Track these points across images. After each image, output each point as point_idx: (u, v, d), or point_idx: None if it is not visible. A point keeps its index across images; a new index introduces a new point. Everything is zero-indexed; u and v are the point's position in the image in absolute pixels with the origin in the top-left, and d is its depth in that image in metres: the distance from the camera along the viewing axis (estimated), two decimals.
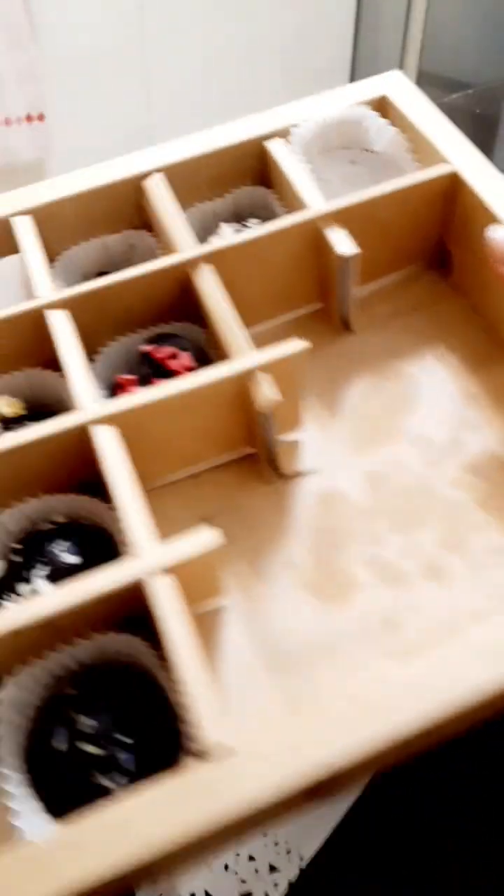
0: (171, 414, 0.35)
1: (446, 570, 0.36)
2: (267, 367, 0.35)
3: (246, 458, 0.40)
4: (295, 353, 0.35)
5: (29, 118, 1.10)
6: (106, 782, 0.29)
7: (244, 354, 0.35)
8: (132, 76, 1.19)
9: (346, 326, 0.44)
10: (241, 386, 0.35)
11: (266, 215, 0.47)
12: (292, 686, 0.34)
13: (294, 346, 0.35)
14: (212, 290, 0.38)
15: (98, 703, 0.31)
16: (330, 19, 1.26)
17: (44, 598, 0.29)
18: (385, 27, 1.22)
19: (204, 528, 0.30)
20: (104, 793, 0.29)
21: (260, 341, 0.37)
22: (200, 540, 0.30)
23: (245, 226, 0.45)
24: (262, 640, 0.35)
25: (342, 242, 0.39)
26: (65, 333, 0.37)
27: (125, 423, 0.34)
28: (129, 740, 0.30)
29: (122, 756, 0.30)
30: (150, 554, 0.30)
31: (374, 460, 0.40)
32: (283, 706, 0.33)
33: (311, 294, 0.44)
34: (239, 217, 0.48)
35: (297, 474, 0.40)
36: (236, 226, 0.46)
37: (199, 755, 0.26)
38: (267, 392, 0.34)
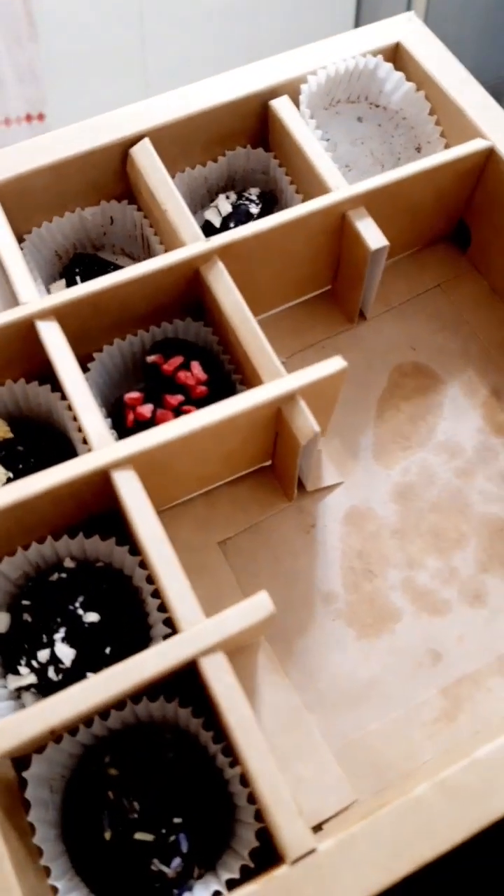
0: (196, 446, 0.31)
1: (487, 594, 0.34)
2: (305, 391, 0.31)
3: (259, 469, 0.37)
4: (334, 374, 0.31)
5: (28, 118, 1.03)
6: (163, 868, 0.27)
7: (277, 376, 0.31)
8: (132, 76, 1.15)
9: (361, 314, 0.40)
10: (274, 408, 0.31)
11: (265, 181, 0.42)
12: (338, 727, 0.32)
13: (332, 365, 0.31)
14: (227, 291, 0.33)
15: (139, 779, 0.28)
16: (329, 22, 1.19)
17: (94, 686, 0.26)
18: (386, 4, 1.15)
19: (258, 596, 0.27)
20: (160, 878, 0.27)
21: (266, 329, 0.33)
22: (254, 611, 0.27)
23: (244, 196, 0.40)
24: (301, 677, 0.33)
25: (373, 235, 0.34)
26: (58, 348, 0.32)
27: (147, 460, 0.30)
28: (179, 819, 0.28)
29: (176, 838, 0.27)
30: (201, 633, 0.26)
31: (399, 470, 0.37)
32: (334, 755, 0.31)
33: (323, 278, 0.40)
34: (233, 183, 0.42)
35: (320, 488, 0.37)
36: (233, 197, 0.40)
37: (282, 857, 0.24)
38: (309, 423, 0.30)
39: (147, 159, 0.36)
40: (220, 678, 0.26)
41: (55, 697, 0.26)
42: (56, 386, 0.34)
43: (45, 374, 0.35)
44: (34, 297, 0.33)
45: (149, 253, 0.40)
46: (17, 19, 0.96)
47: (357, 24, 1.20)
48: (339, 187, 0.35)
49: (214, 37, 1.15)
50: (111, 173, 0.38)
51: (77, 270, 0.39)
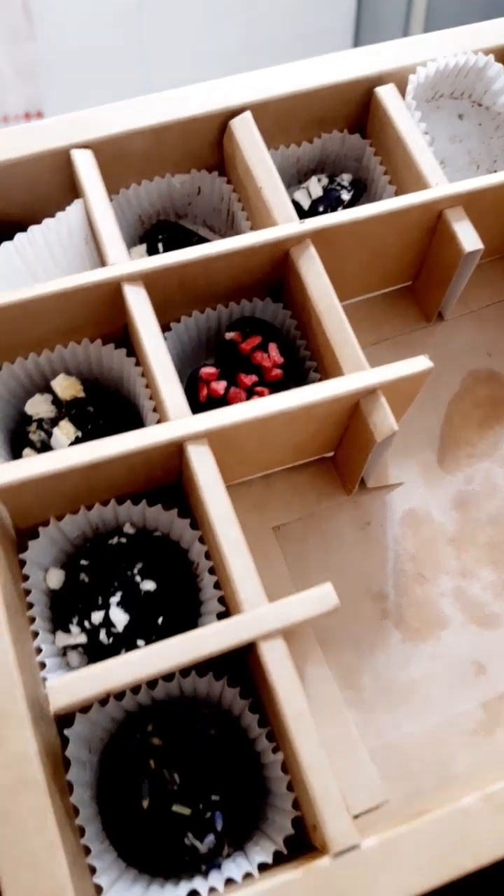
0: (271, 429, 0.31)
1: None
2: (386, 387, 0.30)
3: (319, 459, 0.37)
4: (418, 373, 0.31)
5: (27, 116, 1.04)
6: (196, 843, 0.27)
7: (360, 368, 0.31)
8: (131, 74, 1.15)
9: (439, 314, 0.40)
10: (353, 401, 0.31)
11: (356, 169, 0.41)
12: (375, 726, 0.32)
13: (417, 364, 0.31)
14: (316, 275, 0.33)
15: (182, 752, 0.28)
16: (329, 18, 1.19)
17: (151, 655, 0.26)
18: (385, 21, 1.14)
19: (323, 587, 0.27)
20: (192, 852, 0.27)
21: None
22: (319, 602, 0.27)
23: (336, 182, 0.39)
24: (343, 672, 0.33)
25: (469, 237, 0.34)
26: (143, 314, 0.32)
27: (219, 436, 0.30)
28: (217, 797, 0.28)
29: (212, 815, 0.27)
30: (264, 616, 0.26)
31: (462, 477, 0.37)
32: (368, 753, 0.31)
33: (406, 273, 0.39)
34: (324, 166, 0.41)
35: (379, 486, 0.36)
36: (325, 181, 0.39)
37: (323, 849, 0.24)
38: (388, 420, 0.30)
39: (247, 133, 0.36)
40: (278, 663, 0.26)
41: (113, 661, 0.26)
42: (130, 351, 0.34)
43: (119, 338, 0.35)
44: (123, 258, 0.33)
45: (233, 228, 0.39)
46: (16, 17, 0.97)
47: (358, 16, 1.19)
48: (439, 184, 0.35)
49: (213, 34, 1.15)
50: (207, 143, 0.38)
51: (160, 237, 0.38)
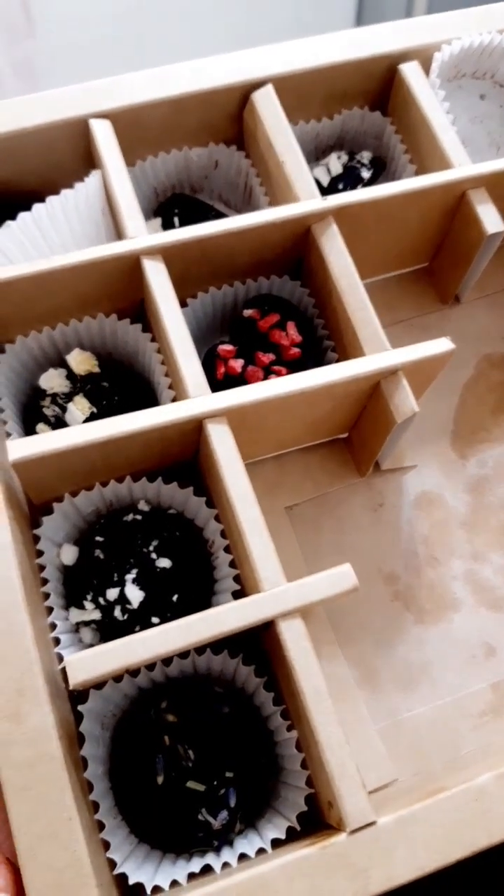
0: (290, 408, 0.30)
1: None
2: (408, 368, 0.30)
3: (332, 440, 0.36)
4: (440, 355, 0.30)
5: None
6: (209, 818, 0.27)
7: (382, 349, 0.31)
8: (131, 72, 1.12)
9: (455, 297, 0.39)
10: (373, 382, 0.31)
11: (376, 146, 0.40)
12: (385, 706, 0.32)
13: (439, 346, 0.30)
14: (338, 253, 0.32)
15: (197, 729, 0.28)
16: (331, 12, 1.17)
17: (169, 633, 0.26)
18: (387, 6, 1.13)
19: (342, 568, 0.27)
20: (205, 828, 0.27)
21: None
22: (338, 582, 0.27)
23: (356, 159, 0.39)
24: (354, 652, 0.33)
25: (491, 218, 0.33)
26: (163, 288, 0.31)
27: (239, 415, 0.29)
28: (230, 774, 0.28)
29: (226, 791, 0.28)
30: (284, 595, 0.26)
31: (475, 461, 0.37)
32: (378, 732, 0.31)
33: (424, 255, 0.39)
34: (343, 142, 0.41)
35: (395, 469, 0.36)
36: (344, 158, 0.39)
37: (339, 826, 0.24)
38: (409, 401, 0.30)
39: (269, 107, 0.35)
40: (297, 642, 0.26)
41: (132, 638, 0.25)
42: (146, 327, 0.34)
43: (134, 313, 0.34)
44: (142, 231, 0.32)
45: (250, 203, 0.39)
46: (15, 14, 0.95)
47: (360, 2, 1.17)
48: (462, 164, 0.34)
49: (214, 32, 1.13)
50: (226, 115, 0.37)
51: (176, 211, 0.38)
